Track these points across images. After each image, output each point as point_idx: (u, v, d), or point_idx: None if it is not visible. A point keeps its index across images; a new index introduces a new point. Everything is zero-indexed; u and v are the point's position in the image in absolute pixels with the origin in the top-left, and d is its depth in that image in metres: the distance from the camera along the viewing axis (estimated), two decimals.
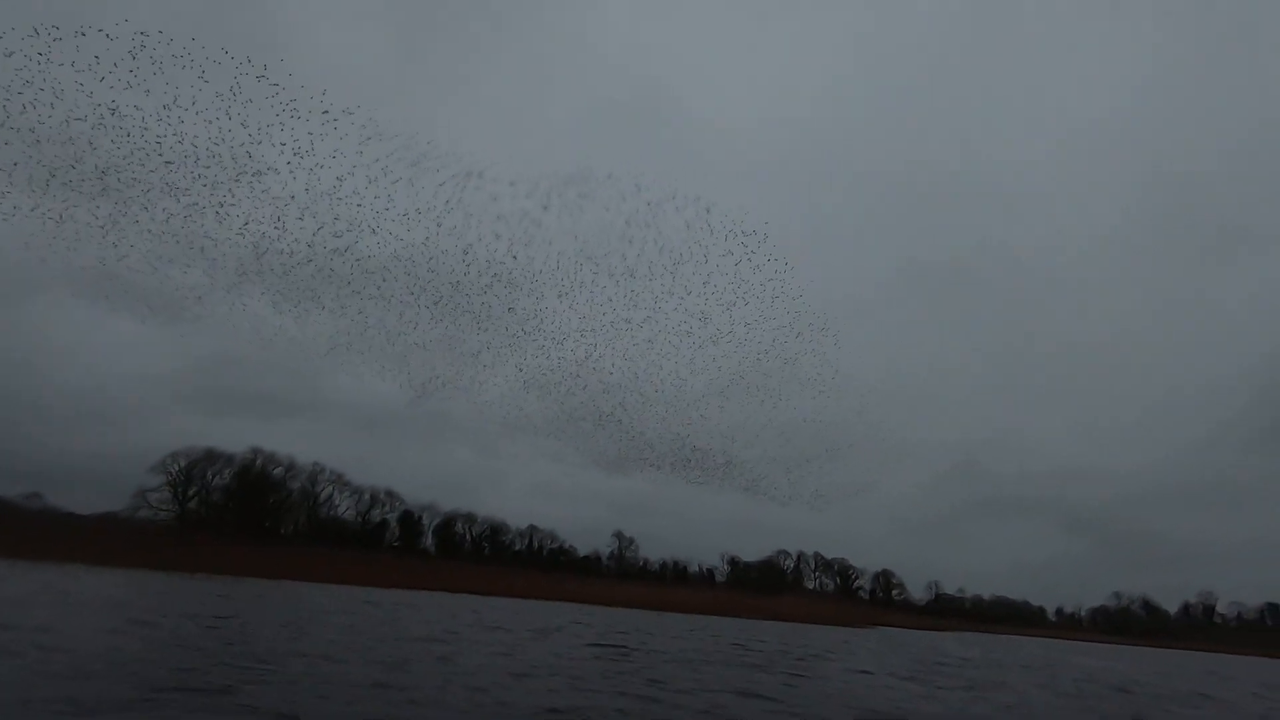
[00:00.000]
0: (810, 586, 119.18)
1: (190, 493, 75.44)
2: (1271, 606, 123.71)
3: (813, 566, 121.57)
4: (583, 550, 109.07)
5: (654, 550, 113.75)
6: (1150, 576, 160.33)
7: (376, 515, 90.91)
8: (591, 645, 18.57)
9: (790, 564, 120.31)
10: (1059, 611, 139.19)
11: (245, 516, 75.75)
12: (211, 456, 76.20)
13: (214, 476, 77.01)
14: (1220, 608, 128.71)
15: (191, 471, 75.33)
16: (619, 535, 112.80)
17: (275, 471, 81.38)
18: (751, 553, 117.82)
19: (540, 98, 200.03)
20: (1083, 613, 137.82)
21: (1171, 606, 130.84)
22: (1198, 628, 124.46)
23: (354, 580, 60.69)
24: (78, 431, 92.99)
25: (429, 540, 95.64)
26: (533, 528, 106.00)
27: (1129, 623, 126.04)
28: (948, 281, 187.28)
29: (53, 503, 68.46)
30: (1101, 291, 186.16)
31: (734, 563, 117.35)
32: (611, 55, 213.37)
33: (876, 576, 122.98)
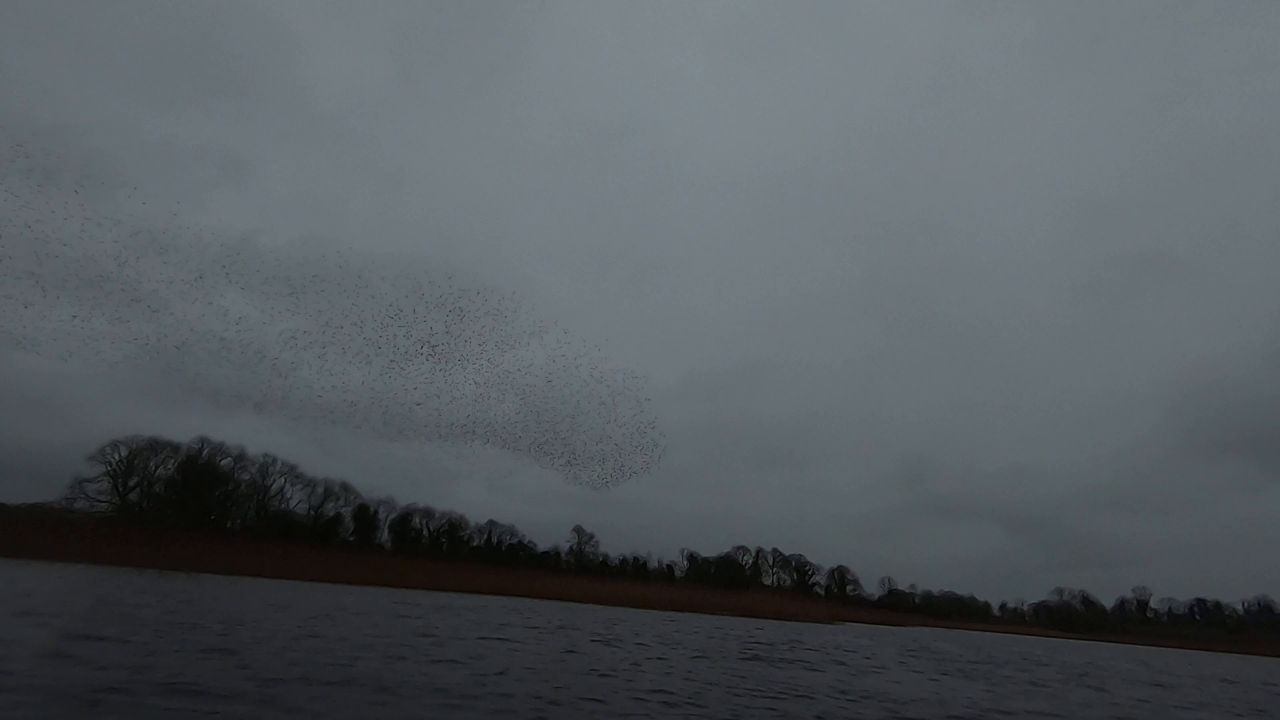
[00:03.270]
0: (768, 582, 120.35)
1: (131, 483, 71.41)
2: (1200, 602, 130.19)
3: (770, 562, 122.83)
4: (543, 546, 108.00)
5: (614, 546, 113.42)
6: (1088, 573, 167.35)
7: (330, 509, 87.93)
8: (613, 644, 17.76)
9: (749, 560, 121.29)
10: (1003, 606, 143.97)
11: (189, 509, 72.16)
12: (155, 446, 72.36)
13: (157, 467, 73.16)
14: (1153, 603, 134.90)
15: (133, 461, 71.32)
16: (579, 530, 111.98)
17: (223, 462, 77.90)
18: (710, 548, 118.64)
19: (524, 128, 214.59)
20: (1026, 607, 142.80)
21: (1108, 602, 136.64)
22: (1133, 622, 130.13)
23: (306, 575, 58.37)
24: (10, 418, 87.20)
25: (384, 535, 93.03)
26: (492, 523, 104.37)
27: (1070, 617, 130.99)
28: (903, 296, 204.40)
29: None
30: (1044, 310, 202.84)
31: (693, 558, 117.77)
32: (599, 82, 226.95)
33: (832, 572, 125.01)
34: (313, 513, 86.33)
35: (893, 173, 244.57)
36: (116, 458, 70.61)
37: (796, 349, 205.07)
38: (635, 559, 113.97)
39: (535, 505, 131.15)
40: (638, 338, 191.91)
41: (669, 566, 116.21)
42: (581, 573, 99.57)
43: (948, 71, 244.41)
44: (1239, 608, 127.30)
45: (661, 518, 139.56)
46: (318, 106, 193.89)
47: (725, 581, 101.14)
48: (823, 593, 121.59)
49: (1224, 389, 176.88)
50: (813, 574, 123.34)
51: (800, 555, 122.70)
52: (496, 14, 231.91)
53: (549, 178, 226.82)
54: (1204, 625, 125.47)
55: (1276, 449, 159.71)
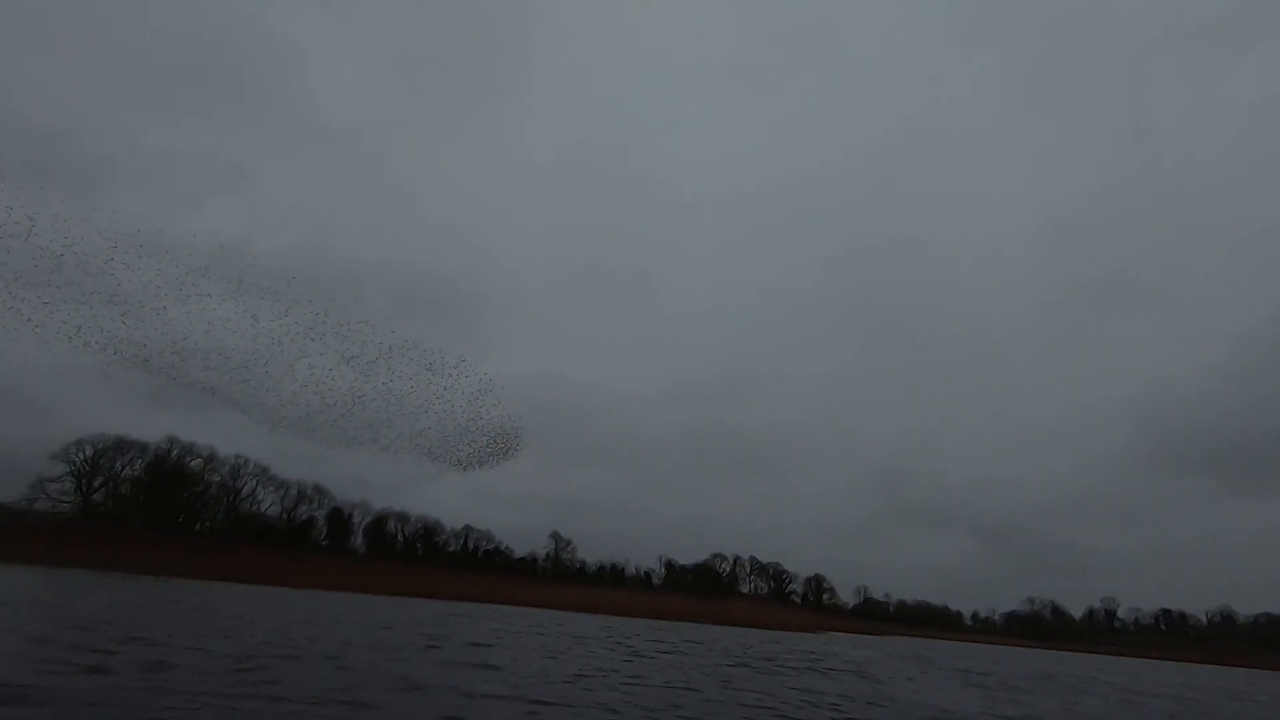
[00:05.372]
0: (745, 590, 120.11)
1: (96, 484, 69.15)
2: (1166, 612, 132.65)
3: (748, 570, 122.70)
4: (519, 551, 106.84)
5: (591, 552, 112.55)
6: (1057, 583, 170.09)
7: (303, 512, 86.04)
8: (657, 656, 17.29)
9: (726, 567, 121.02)
10: (974, 616, 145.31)
11: (156, 510, 70.06)
12: (122, 445, 70.16)
13: (124, 467, 70.95)
14: (1120, 613, 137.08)
15: (99, 460, 69.07)
16: (556, 536, 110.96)
17: (193, 463, 75.83)
18: (687, 555, 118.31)
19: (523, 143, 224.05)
20: (997, 616, 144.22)
21: (1077, 611, 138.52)
22: (1101, 631, 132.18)
23: (276, 580, 57.04)
24: None
25: (359, 539, 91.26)
26: (468, 528, 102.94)
27: (1040, 627, 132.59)
28: (881, 312, 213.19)
29: None
30: (1016, 327, 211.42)
31: (670, 565, 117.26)
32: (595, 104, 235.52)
33: (809, 581, 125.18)
34: (285, 516, 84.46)
35: (874, 194, 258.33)
36: (81, 457, 68.40)
37: (778, 360, 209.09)
38: (613, 565, 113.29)
39: (512, 510, 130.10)
40: (625, 348, 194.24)
41: (646, 573, 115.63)
42: (558, 579, 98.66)
43: (929, 102, 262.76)
44: (1202, 618, 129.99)
45: (639, 523, 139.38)
46: (320, 119, 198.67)
47: (703, 589, 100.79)
48: (799, 601, 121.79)
49: (1184, 406, 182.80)
50: (790, 582, 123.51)
51: (777, 563, 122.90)
52: (498, 37, 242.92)
53: (544, 193, 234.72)
54: (1169, 635, 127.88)
55: (1233, 464, 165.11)
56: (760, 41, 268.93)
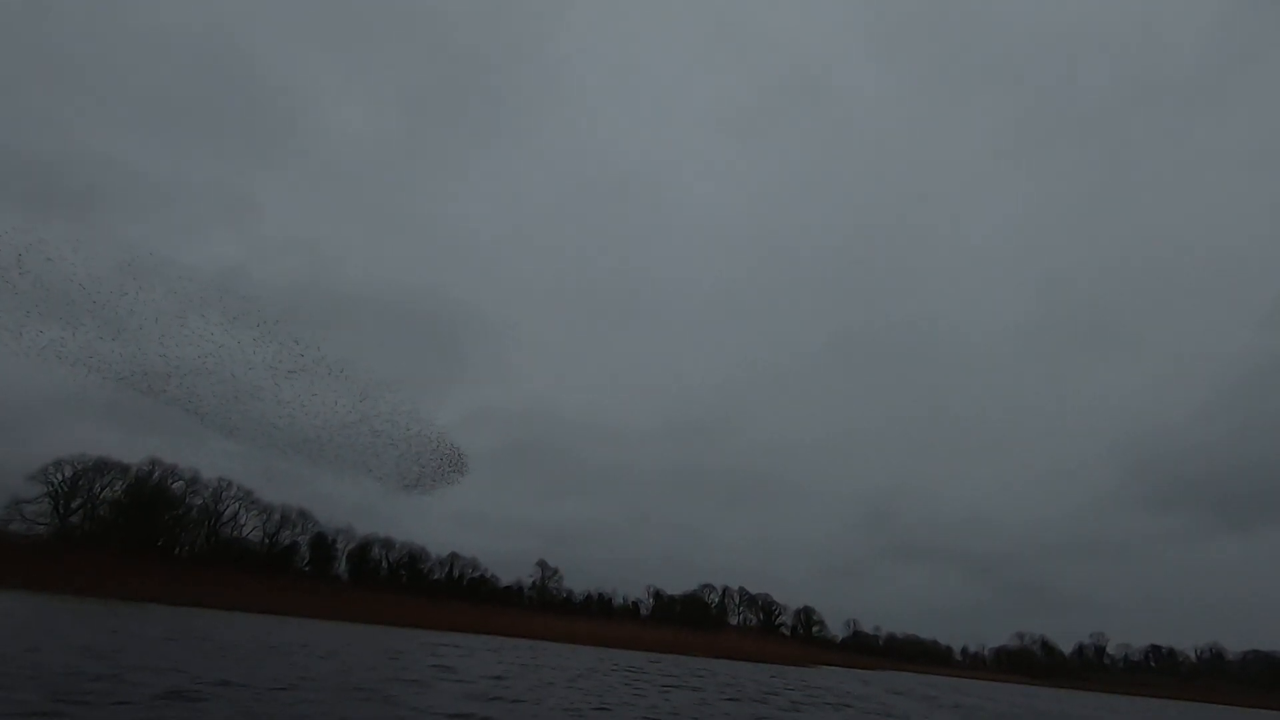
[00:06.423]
0: (734, 621, 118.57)
1: (73, 505, 67.39)
2: (1155, 649, 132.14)
3: (737, 601, 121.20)
4: (505, 579, 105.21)
5: (578, 581, 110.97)
6: (1046, 618, 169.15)
7: (286, 537, 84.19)
8: (677, 688, 16.74)
9: (715, 598, 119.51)
10: (964, 650, 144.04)
11: (135, 533, 68.25)
12: (102, 466, 68.53)
13: (103, 489, 69.22)
14: (1110, 649, 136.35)
15: (77, 482, 67.39)
16: (542, 565, 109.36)
17: (175, 485, 74.16)
18: (675, 585, 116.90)
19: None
20: (986, 652, 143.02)
21: (1066, 647, 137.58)
22: (1090, 668, 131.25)
23: (257, 607, 55.53)
24: None
25: (342, 566, 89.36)
26: (454, 555, 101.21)
27: (1029, 662, 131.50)
28: (871, 352, 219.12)
29: None
30: (1002, 369, 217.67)
31: (659, 596, 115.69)
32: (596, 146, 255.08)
33: (798, 613, 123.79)
34: (267, 541, 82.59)
35: (864, 231, 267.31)
36: (59, 478, 66.74)
37: (769, 392, 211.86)
38: (600, 595, 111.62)
39: (499, 537, 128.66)
40: (617, 377, 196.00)
41: (634, 603, 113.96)
42: (545, 608, 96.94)
43: (916, 153, 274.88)
44: (1191, 654, 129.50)
45: (627, 552, 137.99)
46: (325, 156, 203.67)
47: (692, 620, 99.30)
48: (789, 633, 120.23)
49: (1168, 444, 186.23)
50: (779, 614, 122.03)
51: (767, 594, 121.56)
52: (504, 83, 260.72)
53: (543, 227, 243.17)
54: (1159, 672, 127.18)
55: (1217, 500, 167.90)
56: (757, 90, 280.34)
